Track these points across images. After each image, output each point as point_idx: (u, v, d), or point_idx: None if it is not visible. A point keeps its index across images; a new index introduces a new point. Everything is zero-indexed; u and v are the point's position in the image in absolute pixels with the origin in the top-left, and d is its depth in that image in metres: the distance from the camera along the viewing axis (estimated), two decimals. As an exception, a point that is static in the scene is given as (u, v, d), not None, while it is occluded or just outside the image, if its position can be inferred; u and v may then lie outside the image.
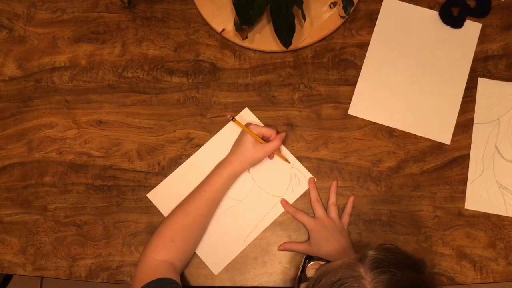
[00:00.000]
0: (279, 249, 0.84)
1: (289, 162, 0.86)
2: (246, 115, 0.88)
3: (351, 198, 0.85)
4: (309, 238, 0.83)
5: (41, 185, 0.88)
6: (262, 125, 0.86)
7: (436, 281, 0.58)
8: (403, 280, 0.53)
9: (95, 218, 0.87)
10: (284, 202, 0.85)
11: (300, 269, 0.72)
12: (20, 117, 0.90)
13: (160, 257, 0.76)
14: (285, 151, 0.87)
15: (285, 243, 0.84)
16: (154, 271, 0.73)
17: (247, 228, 0.85)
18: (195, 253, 0.84)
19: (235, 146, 0.84)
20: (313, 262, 0.72)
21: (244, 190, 0.86)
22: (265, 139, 0.84)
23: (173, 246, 0.77)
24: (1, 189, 0.88)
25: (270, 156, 0.86)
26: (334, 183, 0.85)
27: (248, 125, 0.83)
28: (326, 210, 0.84)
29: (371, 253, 0.56)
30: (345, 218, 0.84)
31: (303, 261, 0.71)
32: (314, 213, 0.84)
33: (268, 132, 0.83)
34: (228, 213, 0.85)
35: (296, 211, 0.84)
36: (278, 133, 0.84)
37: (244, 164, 0.82)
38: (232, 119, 0.84)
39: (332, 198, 0.85)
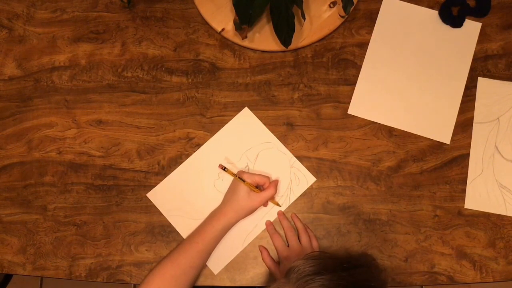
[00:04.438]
0: (259, 247, 0.84)
1: (280, 206, 0.85)
2: (246, 115, 0.88)
3: (304, 225, 0.84)
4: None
5: (41, 185, 0.88)
6: (255, 173, 0.84)
7: (373, 272, 0.58)
8: (326, 284, 0.53)
9: (95, 217, 0.87)
10: (268, 223, 0.85)
11: None
12: (20, 117, 0.90)
13: None
14: (285, 151, 0.87)
15: (266, 251, 0.84)
16: None
17: (247, 228, 0.85)
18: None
19: (229, 196, 0.83)
20: None
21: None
22: (259, 187, 0.83)
23: None
24: (1, 188, 0.88)
25: (264, 204, 0.85)
26: (293, 214, 0.85)
27: (241, 173, 0.82)
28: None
29: (294, 265, 0.56)
30: (314, 243, 0.83)
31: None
32: (287, 241, 0.84)
33: (262, 179, 0.82)
34: (228, 213, 0.85)
35: (274, 234, 0.84)
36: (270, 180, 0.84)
37: (239, 215, 0.81)
38: (224, 169, 0.83)
39: (299, 225, 0.84)
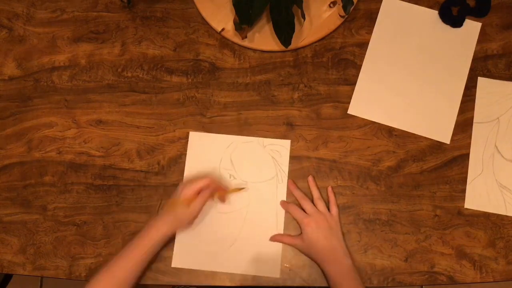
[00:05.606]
0: (270, 240, 0.84)
1: (243, 188, 0.85)
2: (196, 138, 0.87)
3: (330, 188, 0.85)
4: (301, 233, 0.83)
5: (41, 185, 0.88)
6: (196, 179, 0.81)
7: None
8: None
9: (94, 217, 0.87)
10: (281, 202, 0.85)
11: None
12: (20, 117, 0.90)
13: None
14: (249, 139, 0.87)
15: (277, 235, 0.84)
16: None
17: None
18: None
19: (166, 207, 0.82)
20: None
21: (245, 194, 0.86)
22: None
23: None
24: (1, 188, 0.88)
25: (222, 201, 0.84)
26: (310, 178, 0.86)
27: (181, 186, 0.80)
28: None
29: None
30: (333, 209, 0.84)
31: None
32: (304, 209, 0.84)
33: (202, 184, 0.80)
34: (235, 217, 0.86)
35: (288, 205, 0.84)
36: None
37: (175, 227, 0.80)
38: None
39: (316, 193, 0.85)
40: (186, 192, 0.80)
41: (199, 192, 0.81)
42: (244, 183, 0.86)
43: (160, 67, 0.91)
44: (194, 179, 0.81)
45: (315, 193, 0.85)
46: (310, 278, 0.83)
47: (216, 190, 0.83)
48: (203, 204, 0.81)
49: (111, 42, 0.92)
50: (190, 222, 0.83)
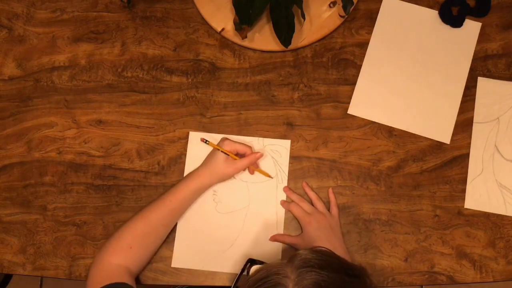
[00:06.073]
0: (270, 240, 0.84)
1: (271, 177, 0.86)
2: (194, 138, 0.88)
3: (330, 189, 0.86)
4: (301, 232, 0.83)
5: (41, 185, 0.88)
6: (238, 141, 0.85)
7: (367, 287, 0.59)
8: (327, 281, 0.54)
9: (94, 217, 0.87)
10: (281, 202, 0.86)
11: (241, 270, 0.72)
12: (20, 117, 0.90)
13: (117, 261, 0.76)
14: (248, 139, 0.87)
15: (277, 235, 0.84)
16: (111, 275, 0.74)
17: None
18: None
19: (207, 159, 0.84)
20: (255, 266, 0.72)
21: (245, 194, 0.86)
22: (241, 155, 0.84)
23: (131, 252, 0.77)
24: (1, 188, 0.88)
25: (250, 171, 0.86)
26: (304, 183, 0.86)
27: (223, 139, 0.84)
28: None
29: (300, 252, 0.57)
30: (334, 209, 0.84)
31: (245, 262, 0.71)
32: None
33: (243, 149, 0.83)
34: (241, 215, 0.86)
35: (290, 204, 0.85)
36: (254, 151, 0.85)
37: (213, 178, 0.82)
38: (205, 142, 0.84)
39: (313, 195, 0.85)
40: (227, 146, 0.82)
41: (236, 153, 0.83)
42: (244, 182, 0.86)
43: (160, 67, 0.91)
44: (236, 141, 0.84)
45: (313, 195, 0.85)
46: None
47: (253, 161, 0.84)
48: (246, 166, 0.83)
49: (111, 42, 0.92)
50: (227, 178, 0.84)
